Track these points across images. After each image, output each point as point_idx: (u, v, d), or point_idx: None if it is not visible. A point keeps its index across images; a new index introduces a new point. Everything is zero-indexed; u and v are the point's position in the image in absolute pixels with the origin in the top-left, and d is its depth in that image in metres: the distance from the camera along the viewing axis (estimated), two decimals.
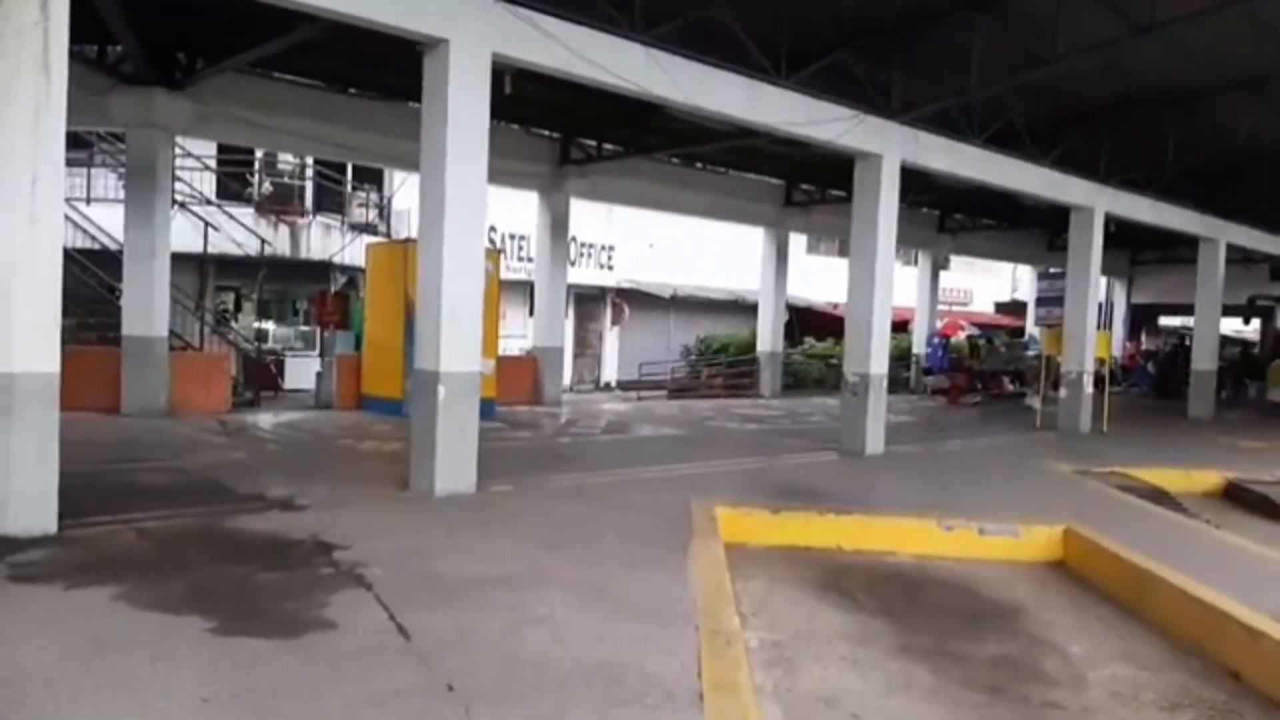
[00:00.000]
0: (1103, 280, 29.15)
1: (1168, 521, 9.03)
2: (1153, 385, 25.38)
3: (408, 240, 15.70)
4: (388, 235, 20.40)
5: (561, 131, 16.47)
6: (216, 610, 4.88)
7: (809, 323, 25.58)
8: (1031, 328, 29.03)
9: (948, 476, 10.90)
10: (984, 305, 35.13)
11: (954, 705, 4.84)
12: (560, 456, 10.91)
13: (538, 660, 4.43)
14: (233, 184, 19.26)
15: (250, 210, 18.79)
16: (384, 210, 21.48)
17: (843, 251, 31.45)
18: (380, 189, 21.75)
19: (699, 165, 18.81)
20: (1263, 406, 21.07)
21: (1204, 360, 19.97)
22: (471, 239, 8.22)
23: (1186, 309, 28.02)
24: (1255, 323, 27.99)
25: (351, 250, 19.41)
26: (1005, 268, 34.91)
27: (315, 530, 6.66)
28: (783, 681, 4.96)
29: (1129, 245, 28.39)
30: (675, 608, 5.27)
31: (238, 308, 19.31)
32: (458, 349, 8.09)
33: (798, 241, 24.68)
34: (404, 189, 20.35)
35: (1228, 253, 20.07)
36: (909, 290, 23.79)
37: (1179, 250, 25.60)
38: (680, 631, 4.85)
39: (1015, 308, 33.59)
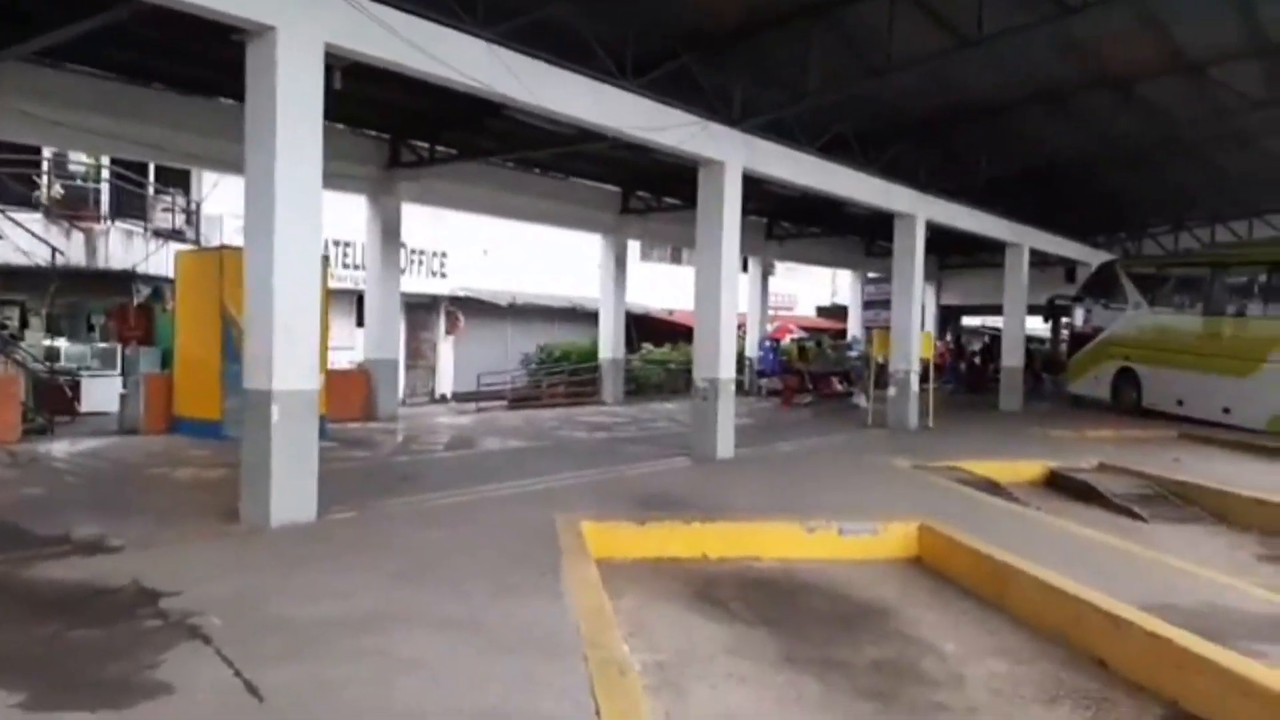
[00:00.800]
0: None
1: (1008, 512, 9.42)
2: (964, 381, 26.99)
3: (222, 248, 14.58)
4: (198, 242, 18.88)
5: (392, 133, 15.70)
6: (24, 680, 4.15)
7: (646, 328, 25.72)
8: (854, 330, 30.45)
9: (798, 477, 11.03)
10: (807, 309, 36.51)
11: (847, 716, 4.75)
12: (405, 477, 10.27)
13: (414, 713, 3.99)
14: (17, 186, 17.23)
15: (39, 216, 16.89)
16: (193, 216, 19.86)
17: (675, 258, 31.88)
18: (188, 192, 20.09)
19: (536, 170, 18.44)
20: (1063, 398, 22.72)
21: (1013, 357, 21.36)
22: (306, 244, 7.56)
23: (988, 309, 30.18)
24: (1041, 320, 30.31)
25: (157, 259, 17.81)
26: (826, 273, 36.40)
27: (135, 575, 5.87)
28: (674, 706, 4.72)
29: (937, 250, 30.22)
30: (558, 638, 4.92)
31: (24, 324, 17.30)
32: (293, 365, 7.41)
33: (632, 248, 24.71)
34: (216, 192, 18.94)
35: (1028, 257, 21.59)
36: (741, 295, 24.29)
37: (981, 255, 27.47)
38: (568, 665, 4.51)
39: (836, 311, 35.12)
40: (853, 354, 26.23)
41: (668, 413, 18.69)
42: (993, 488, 11.33)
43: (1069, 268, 25.90)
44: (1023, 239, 20.74)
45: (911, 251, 16.63)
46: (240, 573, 6.16)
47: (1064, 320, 28.52)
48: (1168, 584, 6.50)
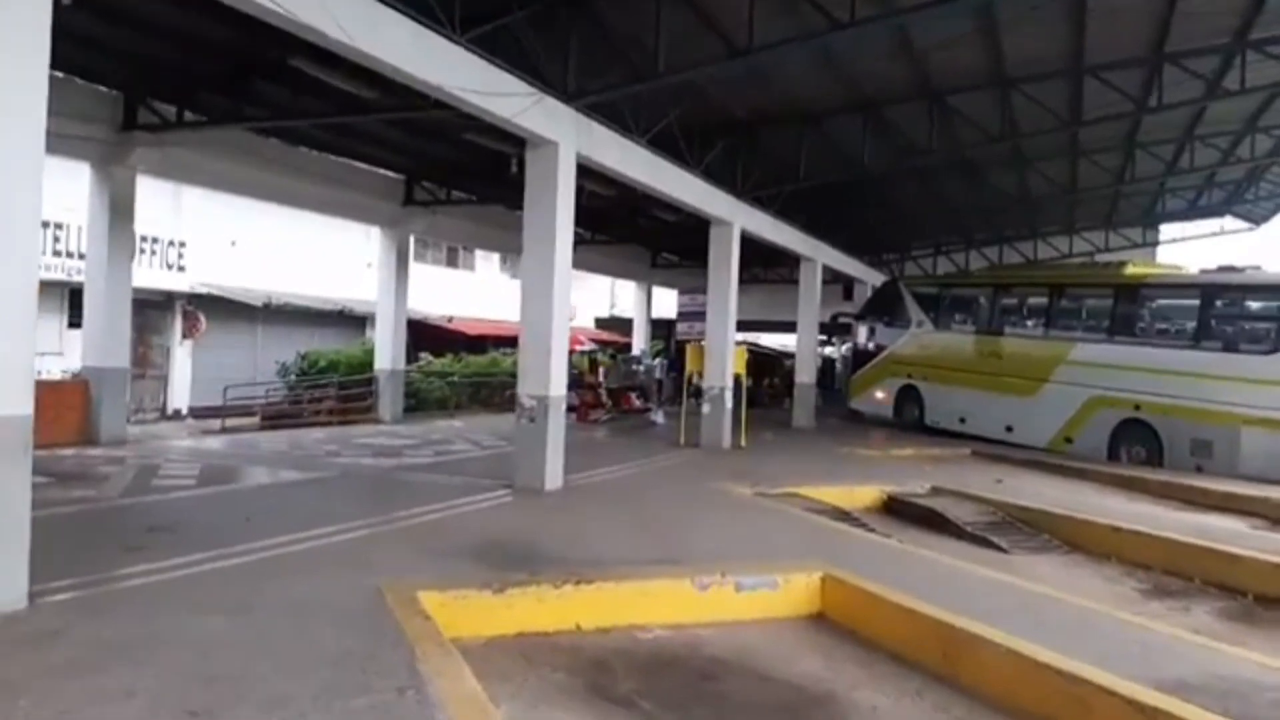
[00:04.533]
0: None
1: (889, 550, 8.44)
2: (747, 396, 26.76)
3: None
4: None
5: (129, 88, 12.62)
6: None
7: (423, 337, 23.28)
8: (639, 343, 29.65)
9: (643, 512, 9.50)
10: (585, 321, 35.30)
11: None
12: (151, 528, 7.67)
13: None
14: None
15: None
16: None
17: (452, 261, 29.64)
18: None
19: (306, 149, 15.75)
20: (844, 414, 22.82)
21: (805, 373, 21.12)
22: (18, 206, 5.09)
23: (758, 325, 30.30)
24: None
25: None
26: (604, 283, 35.37)
27: None
28: None
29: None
30: None
31: None
32: None
33: None
34: None
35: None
36: None
37: (755, 270, 27.44)
38: None
39: (615, 323, 34.21)
40: (640, 368, 25.24)
41: (460, 432, 16.63)
42: (843, 516, 10.51)
43: (846, 285, 26.37)
44: (817, 254, 20.58)
45: (728, 260, 15.69)
46: None
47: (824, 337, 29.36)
48: (1144, 646, 5.60)
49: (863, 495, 11.80)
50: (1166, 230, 28.20)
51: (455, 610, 5.84)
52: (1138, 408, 15.14)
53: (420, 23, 8.09)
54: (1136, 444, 15.28)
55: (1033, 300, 18.68)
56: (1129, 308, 16.06)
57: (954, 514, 10.70)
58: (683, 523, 8.98)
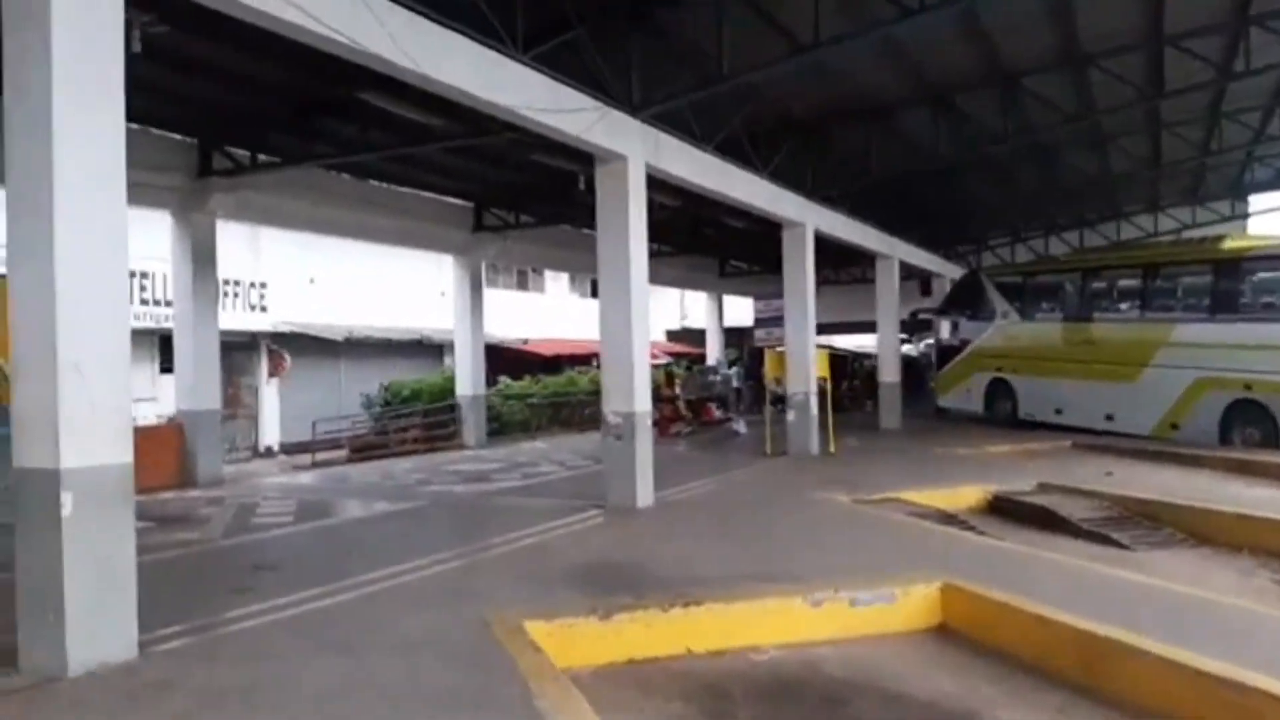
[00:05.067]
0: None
1: (1008, 555, 8.00)
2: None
3: None
4: None
5: (203, 134, 12.89)
6: None
7: (501, 360, 23.38)
8: (713, 354, 29.35)
9: (742, 526, 9.27)
10: (656, 334, 35.16)
11: None
12: (254, 567, 7.70)
13: None
14: None
15: None
16: None
17: (522, 284, 29.82)
18: None
19: (376, 182, 15.92)
20: (930, 413, 22.14)
21: (889, 373, 20.57)
22: (106, 254, 5.10)
23: (828, 328, 29.73)
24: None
25: None
26: (673, 295, 35.15)
27: None
28: None
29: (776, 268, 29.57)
30: None
31: None
32: (94, 427, 4.95)
33: None
34: None
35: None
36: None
37: (825, 273, 26.87)
38: None
39: (687, 335, 33.96)
40: (716, 378, 24.94)
41: (544, 454, 16.55)
42: (947, 520, 10.10)
43: (923, 280, 25.69)
44: (894, 250, 20.09)
45: (802, 263, 15.36)
46: None
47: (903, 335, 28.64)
48: None
49: (966, 496, 11.32)
50: (1255, 201, 26.86)
51: (563, 639, 5.66)
52: (1249, 387, 14.29)
53: (485, 44, 8.03)
54: (1250, 425, 14.41)
55: (1125, 282, 17.84)
56: (1232, 283, 15.20)
57: (1067, 511, 10.18)
58: (783, 535, 8.70)
